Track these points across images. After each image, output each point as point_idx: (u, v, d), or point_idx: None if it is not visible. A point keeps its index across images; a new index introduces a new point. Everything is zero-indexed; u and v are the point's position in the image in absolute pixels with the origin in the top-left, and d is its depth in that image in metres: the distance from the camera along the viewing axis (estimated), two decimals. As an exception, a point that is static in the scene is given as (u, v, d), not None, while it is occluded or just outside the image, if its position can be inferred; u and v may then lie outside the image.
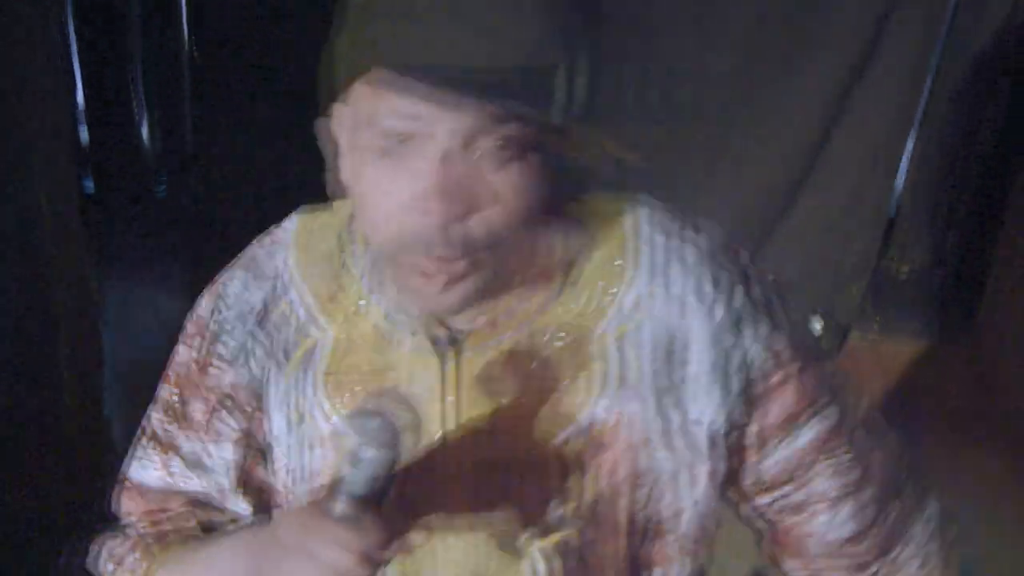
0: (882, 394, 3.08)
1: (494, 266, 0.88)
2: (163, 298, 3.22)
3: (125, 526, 1.10)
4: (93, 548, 1.08)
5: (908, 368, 3.17)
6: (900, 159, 3.15)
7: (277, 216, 1.08)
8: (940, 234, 3.16)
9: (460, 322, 0.97)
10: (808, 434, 1.01)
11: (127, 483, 1.09)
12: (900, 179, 3.20)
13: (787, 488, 1.04)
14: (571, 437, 0.95)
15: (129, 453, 1.09)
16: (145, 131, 3.21)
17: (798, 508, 1.05)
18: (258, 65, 2.96)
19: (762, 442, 1.01)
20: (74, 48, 2.89)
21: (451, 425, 0.96)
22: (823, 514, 1.04)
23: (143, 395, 1.12)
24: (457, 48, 0.78)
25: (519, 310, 0.97)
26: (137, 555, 1.06)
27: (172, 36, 3.04)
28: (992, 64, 2.93)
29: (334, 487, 0.83)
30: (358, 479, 0.82)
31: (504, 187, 0.84)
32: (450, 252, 0.84)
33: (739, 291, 0.97)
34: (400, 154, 0.83)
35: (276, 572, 0.86)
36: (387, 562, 0.84)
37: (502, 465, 0.96)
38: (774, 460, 1.02)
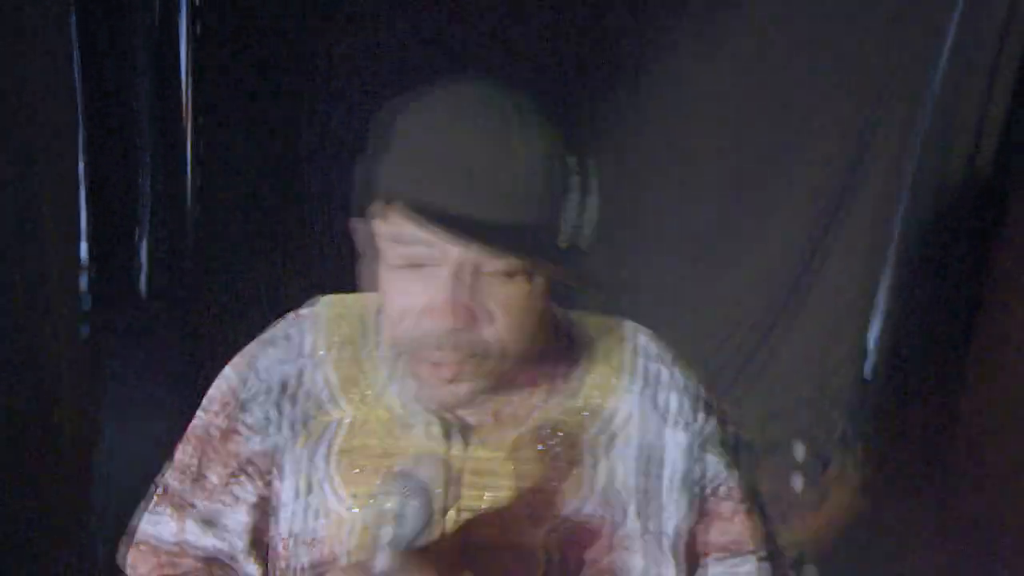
0: (865, 519, 3.13)
1: (496, 369, 1.01)
2: (154, 411, 3.29)
3: None
4: None
5: (888, 495, 3.22)
6: (876, 293, 3.28)
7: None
8: (916, 366, 3.25)
9: (467, 415, 1.08)
10: (745, 567, 1.12)
11: (139, 541, 1.14)
12: (876, 311, 3.32)
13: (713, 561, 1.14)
14: (556, 530, 1.06)
15: (141, 510, 1.15)
16: (144, 250, 3.32)
17: None
18: (259, 197, 3.13)
19: (703, 553, 1.14)
20: (81, 181, 3.00)
21: (451, 509, 1.05)
22: None
23: (132, 511, 1.16)
24: (460, 200, 0.92)
25: (521, 410, 1.09)
26: None
27: (177, 166, 3.20)
28: (956, 209, 3.09)
29: (374, 546, 0.91)
30: (401, 534, 0.91)
31: (503, 304, 0.97)
32: (456, 354, 0.97)
33: (712, 423, 1.12)
34: (416, 269, 0.97)
35: None
36: None
37: (493, 549, 1.05)
38: (713, 572, 1.14)
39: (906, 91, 3.10)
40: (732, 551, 1.12)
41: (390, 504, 0.91)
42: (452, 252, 0.94)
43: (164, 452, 1.19)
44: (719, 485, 1.11)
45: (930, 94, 3.11)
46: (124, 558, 1.15)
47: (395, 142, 0.95)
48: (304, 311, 1.16)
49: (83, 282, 3.01)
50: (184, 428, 1.16)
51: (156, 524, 1.14)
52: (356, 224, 1.03)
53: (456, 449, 1.06)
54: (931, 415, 3.23)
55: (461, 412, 1.07)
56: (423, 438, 1.06)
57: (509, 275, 0.96)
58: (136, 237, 3.32)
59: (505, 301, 0.97)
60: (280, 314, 1.18)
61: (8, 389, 2.33)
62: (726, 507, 1.12)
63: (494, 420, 1.08)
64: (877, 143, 3.14)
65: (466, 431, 1.07)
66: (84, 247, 3.11)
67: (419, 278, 0.97)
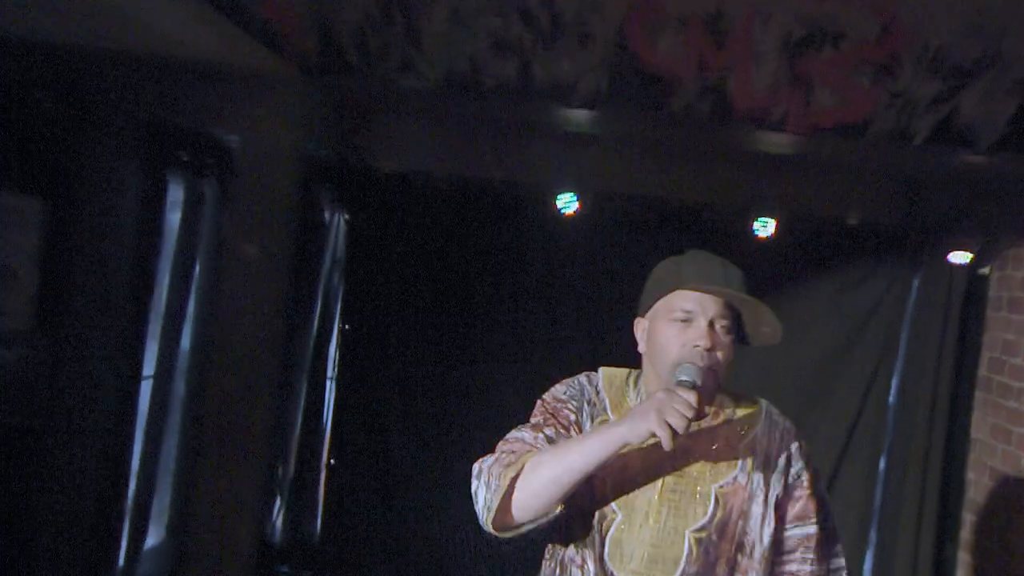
0: None
1: (717, 379, 1.93)
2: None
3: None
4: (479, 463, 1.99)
5: None
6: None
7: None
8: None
9: None
10: (808, 529, 2.01)
11: (508, 438, 1.99)
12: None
13: (790, 555, 2.00)
14: (722, 485, 1.95)
15: (514, 431, 2.00)
16: (279, 522, 4.17)
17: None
18: (388, 474, 4.06)
19: (787, 520, 2.00)
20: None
21: (671, 463, 1.94)
22: None
23: None
24: (712, 282, 1.92)
25: (708, 423, 1.99)
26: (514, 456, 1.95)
27: (313, 441, 4.17)
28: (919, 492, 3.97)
29: (676, 380, 1.87)
30: (687, 379, 1.85)
31: (723, 342, 1.93)
32: (704, 364, 1.89)
33: (799, 449, 2.04)
34: (684, 323, 1.93)
35: (632, 420, 1.82)
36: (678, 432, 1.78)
37: (687, 490, 1.95)
38: (790, 533, 2.00)
39: (874, 405, 4.12)
40: (801, 518, 1.98)
41: (685, 376, 1.85)
42: (708, 310, 1.91)
43: None
44: (799, 478, 2.00)
45: (889, 414, 4.14)
46: (501, 446, 1.99)
47: (667, 268, 2.00)
48: (589, 374, 2.10)
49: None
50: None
51: (520, 432, 1.99)
52: (638, 322, 2.02)
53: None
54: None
55: None
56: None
57: (727, 329, 1.92)
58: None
59: (725, 341, 1.92)
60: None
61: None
62: (800, 491, 2.00)
63: (699, 420, 1.94)
64: (854, 450, 4.12)
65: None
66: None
67: (686, 327, 1.92)
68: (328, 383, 4.22)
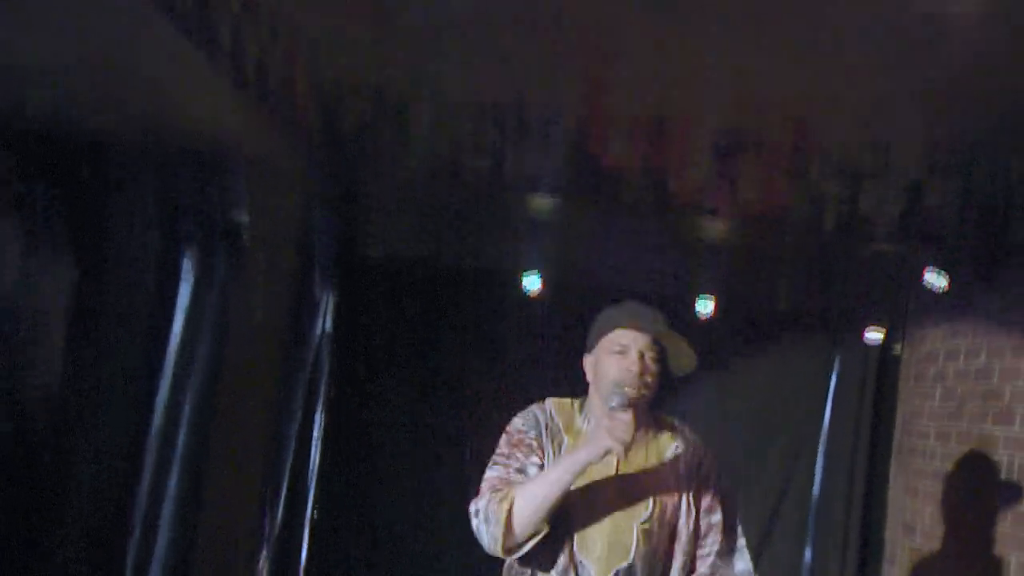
0: None
1: (646, 400, 2.42)
2: None
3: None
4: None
5: None
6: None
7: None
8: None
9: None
10: (715, 517, 2.49)
11: (490, 478, 2.45)
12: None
13: (705, 538, 2.48)
14: (657, 487, 2.44)
15: (489, 470, 2.46)
16: (265, 572, 4.53)
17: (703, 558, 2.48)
18: (370, 528, 4.47)
19: (701, 511, 2.49)
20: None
21: (621, 475, 2.43)
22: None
23: None
24: (642, 323, 2.43)
25: (643, 440, 2.47)
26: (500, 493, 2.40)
27: (299, 495, 4.57)
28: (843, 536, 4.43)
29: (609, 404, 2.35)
30: (620, 403, 2.32)
31: (652, 370, 2.42)
32: (637, 385, 2.38)
33: (705, 457, 2.53)
34: (621, 354, 2.42)
35: (589, 444, 2.33)
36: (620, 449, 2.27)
37: (629, 493, 2.43)
38: (703, 520, 2.49)
39: (796, 494, 4.62)
40: (710, 510, 2.47)
41: (614, 401, 2.32)
42: (639, 343, 2.40)
43: None
44: (707, 479, 2.48)
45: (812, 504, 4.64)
46: (482, 488, 2.43)
47: (608, 314, 2.49)
48: (536, 404, 2.55)
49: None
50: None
51: (494, 471, 2.45)
52: (586, 358, 2.50)
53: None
54: None
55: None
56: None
57: (654, 359, 2.40)
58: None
59: (653, 368, 2.40)
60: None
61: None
62: (707, 489, 2.48)
63: (634, 442, 2.35)
64: (791, 489, 4.59)
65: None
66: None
67: (623, 357, 2.40)
68: (314, 442, 4.65)
